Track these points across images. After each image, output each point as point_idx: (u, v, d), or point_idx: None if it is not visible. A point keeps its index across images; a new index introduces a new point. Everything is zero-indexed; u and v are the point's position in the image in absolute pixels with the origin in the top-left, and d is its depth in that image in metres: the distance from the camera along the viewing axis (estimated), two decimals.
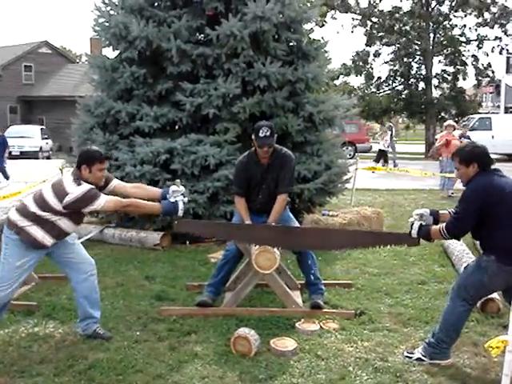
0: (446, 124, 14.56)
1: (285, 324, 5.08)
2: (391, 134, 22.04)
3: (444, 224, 4.25)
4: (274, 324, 5.08)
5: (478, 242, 4.42)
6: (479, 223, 4.09)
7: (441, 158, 13.73)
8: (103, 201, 4.43)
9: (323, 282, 5.76)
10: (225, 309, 5.38)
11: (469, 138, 14.36)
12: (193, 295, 5.83)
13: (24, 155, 27.59)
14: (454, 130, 14.15)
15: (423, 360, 4.31)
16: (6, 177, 16.45)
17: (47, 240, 4.52)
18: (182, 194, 4.69)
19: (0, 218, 6.54)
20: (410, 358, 4.37)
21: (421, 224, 4.39)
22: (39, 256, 4.65)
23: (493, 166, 4.23)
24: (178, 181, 4.91)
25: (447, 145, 13.29)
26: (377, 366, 4.28)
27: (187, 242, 7.97)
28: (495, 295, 5.33)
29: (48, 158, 29.77)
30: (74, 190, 4.38)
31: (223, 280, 5.66)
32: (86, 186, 4.39)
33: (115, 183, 4.80)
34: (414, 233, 4.40)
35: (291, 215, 5.81)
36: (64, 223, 4.51)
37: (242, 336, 4.44)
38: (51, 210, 4.45)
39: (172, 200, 4.64)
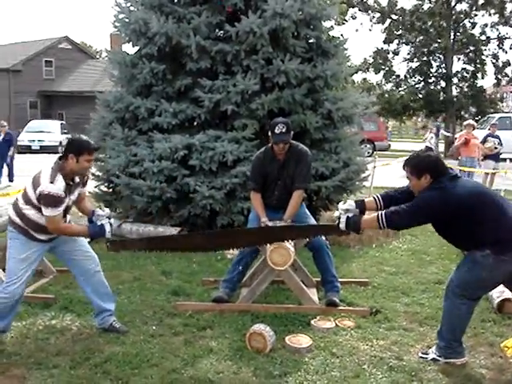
0: (465, 123, 14.41)
1: (300, 321, 5.08)
2: (436, 132, 21.67)
3: (384, 213, 4.22)
4: (289, 321, 5.09)
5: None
6: (456, 230, 4.11)
7: (460, 157, 13.61)
8: (53, 214, 4.34)
9: (340, 279, 5.76)
10: (240, 305, 5.39)
11: (498, 138, 14.18)
12: (209, 290, 5.85)
13: (44, 150, 27.83)
14: (474, 129, 13.99)
15: (438, 360, 4.29)
16: (11, 177, 15.81)
17: (38, 235, 4.52)
18: (108, 217, 4.65)
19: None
20: (425, 358, 4.35)
21: (347, 216, 4.41)
22: (43, 248, 4.64)
23: (448, 173, 4.17)
24: (102, 205, 4.96)
25: (467, 144, 13.18)
26: (392, 364, 4.27)
27: None
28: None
29: None
30: (45, 185, 4.31)
31: (239, 276, 5.66)
32: (54, 188, 4.31)
33: (83, 191, 4.79)
34: (342, 226, 4.43)
35: (307, 212, 5.81)
36: (40, 218, 4.44)
37: (258, 332, 4.45)
38: (29, 202, 4.43)
39: (98, 223, 4.61)
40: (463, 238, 4.19)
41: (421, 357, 4.38)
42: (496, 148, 13.68)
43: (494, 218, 4.05)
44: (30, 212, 4.45)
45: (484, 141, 13.99)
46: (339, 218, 4.46)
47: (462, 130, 14.78)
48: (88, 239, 4.80)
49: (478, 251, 4.09)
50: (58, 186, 4.34)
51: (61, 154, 4.51)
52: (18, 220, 4.51)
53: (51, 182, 4.32)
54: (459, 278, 4.23)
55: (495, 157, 13.85)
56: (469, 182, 4.31)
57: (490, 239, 4.04)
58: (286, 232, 5.17)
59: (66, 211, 4.60)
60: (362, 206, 4.53)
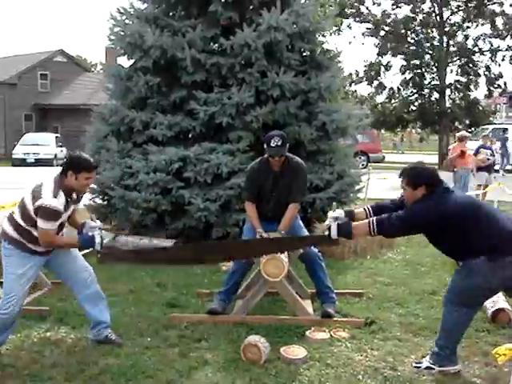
0: (458, 135, 14.44)
1: (295, 332, 5.09)
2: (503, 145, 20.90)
3: (376, 219, 4.29)
4: (284, 332, 5.09)
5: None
6: (449, 240, 4.17)
7: (455, 170, 13.63)
8: (47, 227, 4.34)
9: (335, 291, 5.77)
10: (235, 317, 5.39)
11: (490, 149, 14.19)
12: (204, 302, 5.86)
13: (39, 163, 27.82)
14: (468, 141, 14.04)
15: (432, 368, 4.30)
16: None
17: (36, 247, 4.50)
18: (100, 229, 4.64)
19: None
20: (419, 367, 4.36)
21: (338, 224, 4.44)
22: (40, 262, 4.63)
23: (442, 185, 4.25)
24: (94, 215, 4.98)
25: (462, 155, 13.23)
26: (386, 375, 4.28)
27: None
28: (506, 305, 5.33)
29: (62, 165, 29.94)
30: (47, 199, 4.31)
31: (234, 288, 5.67)
32: (55, 203, 4.32)
33: (78, 207, 4.82)
34: (334, 234, 4.45)
35: (301, 224, 5.83)
36: (36, 230, 4.43)
37: (252, 343, 4.46)
38: (28, 215, 4.41)
39: (89, 234, 4.60)
40: (456, 247, 4.23)
41: (415, 366, 4.39)
42: (489, 159, 13.71)
43: (485, 226, 4.11)
44: (27, 224, 4.45)
45: (476, 152, 14.03)
46: (329, 228, 4.49)
47: (455, 142, 14.75)
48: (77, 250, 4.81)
49: (472, 259, 4.13)
50: (60, 202, 4.37)
51: (61, 170, 4.53)
52: (14, 233, 4.50)
53: (54, 197, 4.34)
54: (456, 285, 4.27)
55: (488, 168, 13.87)
56: (460, 194, 4.38)
57: (483, 247, 4.08)
58: (276, 244, 5.19)
59: (61, 226, 4.60)
60: (351, 215, 4.59)
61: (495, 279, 4.14)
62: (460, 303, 4.22)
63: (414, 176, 4.28)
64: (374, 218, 4.35)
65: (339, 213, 4.54)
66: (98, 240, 4.56)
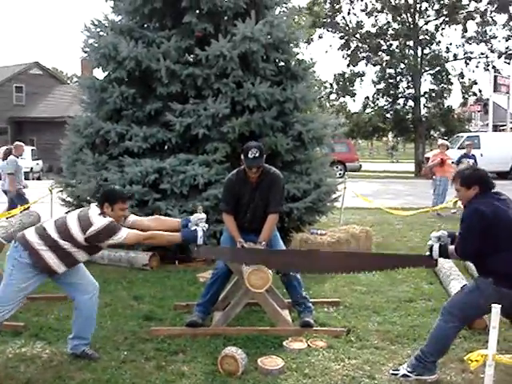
0: (439, 143, 14.55)
1: (273, 343, 5.08)
2: None
3: (457, 241, 4.33)
4: (261, 343, 5.08)
5: (470, 264, 4.48)
6: (480, 246, 4.15)
7: (434, 177, 13.74)
8: (124, 234, 4.49)
9: (311, 300, 5.77)
10: (215, 328, 5.37)
11: (473, 158, 14.26)
12: (180, 315, 5.83)
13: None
14: (448, 149, 14.16)
15: (409, 376, 4.32)
16: None
17: (60, 268, 4.56)
18: (205, 221, 4.78)
19: None
20: (396, 374, 4.37)
21: (440, 245, 4.45)
22: (44, 278, 4.68)
23: (493, 190, 4.30)
24: (201, 207, 5.02)
25: (442, 164, 13.37)
26: (364, 383, 4.29)
27: (176, 262, 7.98)
28: None
29: (38, 178, 29.70)
30: (98, 221, 4.45)
31: (212, 299, 5.65)
32: (108, 218, 4.48)
33: (132, 219, 4.86)
34: (435, 254, 4.45)
35: (278, 235, 5.83)
36: (80, 255, 4.59)
37: (229, 355, 4.44)
38: (72, 241, 4.48)
39: (193, 228, 4.74)
40: (479, 258, 4.25)
41: (392, 374, 4.40)
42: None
43: (509, 249, 4.12)
44: (71, 249, 4.51)
45: (458, 162, 14.14)
46: (431, 248, 4.48)
47: (432, 150, 14.89)
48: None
49: (482, 277, 4.19)
50: (108, 218, 4.49)
51: (97, 203, 4.67)
52: (42, 251, 4.48)
53: (104, 217, 4.48)
54: (458, 298, 4.33)
55: None
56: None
57: (497, 269, 4.10)
58: (379, 260, 5.27)
59: (99, 249, 4.73)
60: (453, 237, 4.50)
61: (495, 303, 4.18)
62: (459, 318, 4.26)
63: (468, 176, 4.33)
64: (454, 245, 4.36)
65: (442, 233, 4.52)
66: (200, 234, 4.70)
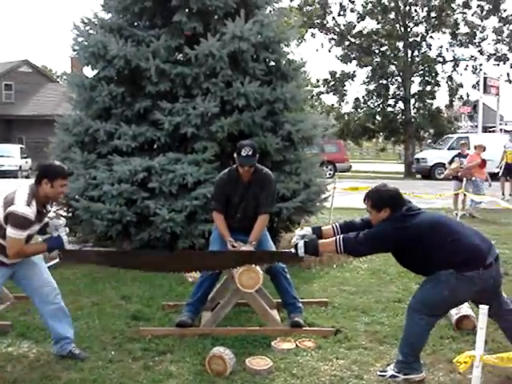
0: (476, 144, 14.43)
1: (261, 343, 5.06)
2: None
3: (343, 238, 4.35)
4: (250, 343, 5.06)
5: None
6: (416, 258, 4.24)
7: (473, 178, 13.68)
8: (17, 236, 4.26)
9: (300, 300, 5.76)
10: (204, 329, 5.34)
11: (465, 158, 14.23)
12: (169, 315, 5.80)
13: (3, 174, 27.37)
14: (484, 150, 14.08)
15: (397, 376, 4.32)
16: None
17: (3, 257, 4.43)
18: (64, 226, 4.62)
19: None
20: (384, 375, 4.37)
21: (305, 241, 4.50)
22: (6, 274, 4.57)
23: (405, 206, 4.32)
24: (59, 211, 4.92)
25: (482, 165, 13.46)
26: (352, 383, 4.28)
27: None
28: (470, 312, 5.37)
29: (27, 177, 29.53)
30: (19, 206, 4.25)
31: (202, 299, 5.62)
32: (27, 212, 4.26)
33: None
34: (301, 252, 4.52)
35: (268, 234, 5.82)
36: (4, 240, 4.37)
37: (217, 355, 4.42)
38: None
39: (55, 235, 4.56)
40: (424, 264, 4.28)
41: (380, 375, 4.40)
42: (462, 168, 13.77)
43: (449, 243, 4.16)
44: None
45: (451, 161, 14.19)
46: (296, 245, 4.53)
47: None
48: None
49: (442, 271, 4.17)
50: (32, 210, 4.29)
51: (35, 179, 4.47)
52: None
53: (27, 205, 4.27)
54: (422, 294, 4.31)
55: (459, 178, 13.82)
56: (424, 212, 4.41)
57: (450, 261, 4.13)
58: (247, 257, 5.18)
59: (29, 239, 4.51)
60: (318, 233, 4.60)
61: (462, 293, 4.20)
62: (426, 312, 4.25)
63: (378, 199, 4.35)
64: (342, 236, 4.39)
65: (306, 230, 4.57)
66: (65, 238, 4.53)
